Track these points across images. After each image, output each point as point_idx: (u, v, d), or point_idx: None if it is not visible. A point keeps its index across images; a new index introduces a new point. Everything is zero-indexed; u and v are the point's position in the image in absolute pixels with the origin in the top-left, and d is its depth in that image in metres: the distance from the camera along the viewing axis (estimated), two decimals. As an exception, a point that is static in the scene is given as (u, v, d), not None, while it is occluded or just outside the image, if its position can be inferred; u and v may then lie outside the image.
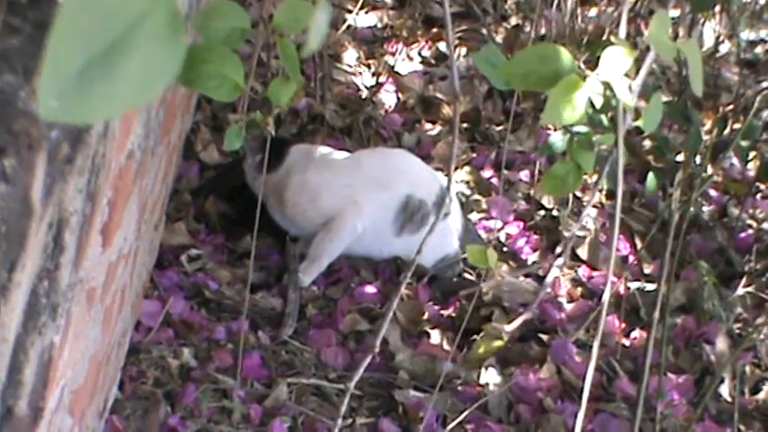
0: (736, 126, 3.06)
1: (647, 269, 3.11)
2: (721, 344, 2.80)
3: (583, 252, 3.11)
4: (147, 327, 2.59)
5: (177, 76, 0.73)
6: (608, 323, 2.82)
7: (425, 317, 2.81)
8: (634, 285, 2.97)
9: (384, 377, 2.63)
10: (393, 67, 3.81)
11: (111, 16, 0.69)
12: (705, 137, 2.87)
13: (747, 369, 2.77)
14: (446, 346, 2.71)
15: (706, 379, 2.71)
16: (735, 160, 3.42)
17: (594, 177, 2.86)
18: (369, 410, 2.54)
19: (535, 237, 3.17)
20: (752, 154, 3.11)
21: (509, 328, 2.65)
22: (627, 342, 2.82)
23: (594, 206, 3.27)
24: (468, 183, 3.36)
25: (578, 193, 3.32)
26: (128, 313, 2.19)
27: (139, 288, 2.40)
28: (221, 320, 2.70)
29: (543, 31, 3.86)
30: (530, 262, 3.10)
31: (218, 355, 2.56)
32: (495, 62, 1.39)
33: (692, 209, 2.70)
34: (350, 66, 3.87)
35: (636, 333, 2.85)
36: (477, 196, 3.30)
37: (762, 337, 2.82)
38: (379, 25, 4.13)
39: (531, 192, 3.33)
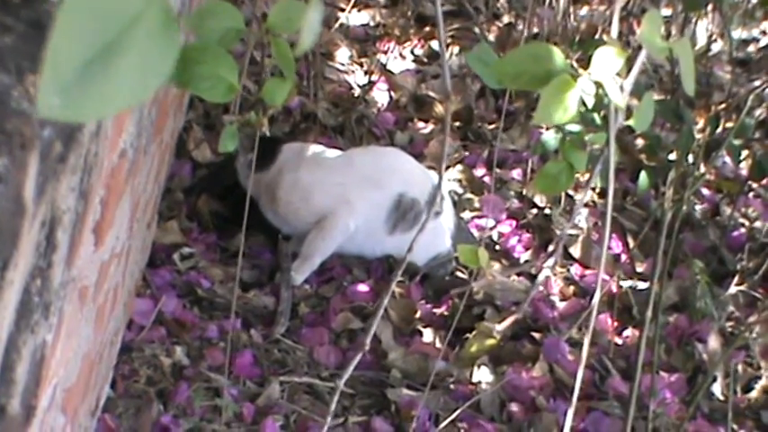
0: (729, 125, 3.07)
1: (640, 268, 3.11)
2: (714, 342, 2.80)
3: (575, 251, 3.12)
4: (139, 325, 2.59)
5: (171, 77, 0.73)
6: (600, 322, 2.82)
7: (418, 315, 2.81)
8: (626, 284, 2.98)
9: (376, 376, 2.63)
10: (385, 66, 3.81)
11: (107, 16, 0.69)
12: (697, 135, 2.87)
13: (740, 368, 2.78)
14: (438, 345, 2.72)
15: (698, 377, 2.71)
16: (727, 159, 3.42)
17: (587, 176, 2.86)
18: (361, 409, 2.55)
19: (527, 235, 3.17)
20: (744, 153, 3.11)
21: (500, 327, 2.65)
22: (619, 340, 2.82)
23: (587, 205, 3.27)
24: (460, 181, 3.36)
25: (571, 192, 3.32)
26: (120, 312, 2.19)
27: (132, 287, 2.40)
28: (214, 319, 2.70)
29: (536, 29, 3.86)
30: (522, 260, 3.10)
31: (211, 354, 2.56)
32: (487, 61, 1.39)
33: (684, 207, 2.71)
34: (342, 64, 3.87)
35: (628, 331, 2.85)
36: (469, 195, 3.30)
37: (754, 335, 2.83)
38: (372, 24, 4.13)
39: (524, 190, 3.33)
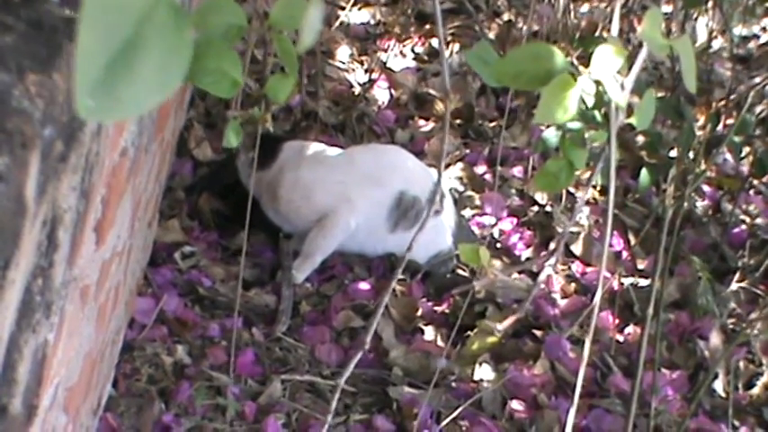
0: (730, 121, 3.07)
1: (641, 265, 3.11)
2: (715, 339, 2.80)
3: (577, 248, 3.12)
4: (140, 324, 2.59)
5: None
6: (602, 319, 2.82)
7: (419, 313, 2.81)
8: (628, 281, 2.98)
9: (378, 374, 2.63)
10: (386, 64, 3.81)
11: (122, 14, 0.69)
12: (698, 132, 2.88)
13: (741, 364, 2.78)
14: (440, 343, 2.72)
15: (700, 374, 2.72)
16: (728, 156, 3.42)
17: (588, 173, 2.86)
18: (363, 407, 2.55)
19: (529, 233, 3.17)
20: (745, 149, 3.11)
21: (502, 325, 2.65)
22: (621, 338, 2.82)
23: (588, 202, 3.27)
24: (461, 179, 3.36)
25: (572, 189, 3.32)
26: (122, 311, 2.19)
27: (133, 285, 2.40)
28: (215, 317, 2.70)
29: (536, 27, 3.86)
30: (523, 258, 3.10)
31: (212, 353, 2.56)
32: (487, 59, 1.39)
33: (685, 204, 2.71)
34: (343, 62, 3.87)
35: (630, 329, 2.85)
36: (470, 192, 3.30)
37: (755, 332, 2.82)
38: (372, 22, 4.13)
39: (525, 188, 3.33)
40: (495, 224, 3.17)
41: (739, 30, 4.19)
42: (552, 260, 2.74)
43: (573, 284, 3.01)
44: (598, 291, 1.37)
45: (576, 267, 3.07)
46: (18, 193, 0.96)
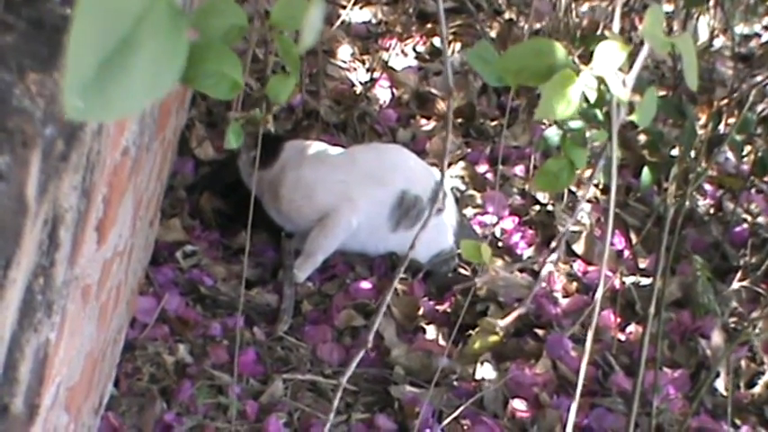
0: (731, 120, 3.07)
1: (643, 264, 3.11)
2: (717, 338, 2.80)
3: (578, 247, 3.12)
4: (142, 323, 2.59)
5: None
6: (603, 318, 2.82)
7: (421, 312, 2.81)
8: (629, 280, 2.97)
9: (380, 373, 2.63)
10: (387, 63, 3.81)
11: (118, 14, 0.69)
12: (700, 131, 2.88)
13: (743, 363, 2.78)
14: (441, 342, 2.72)
15: (701, 373, 2.71)
16: (730, 154, 3.42)
17: (589, 172, 2.86)
18: (364, 406, 2.55)
19: (530, 232, 3.17)
20: (747, 148, 3.11)
21: (503, 323, 2.65)
22: (622, 337, 2.82)
23: (589, 201, 3.27)
24: (463, 178, 3.36)
25: (573, 188, 3.32)
26: (123, 310, 2.19)
27: (135, 285, 2.40)
28: (217, 317, 2.70)
29: (537, 25, 3.86)
30: (525, 257, 3.10)
31: (214, 352, 2.56)
32: (488, 59, 1.39)
33: (687, 203, 2.71)
34: (344, 61, 3.87)
35: (631, 328, 2.85)
36: (472, 191, 3.30)
37: (757, 331, 2.82)
38: (374, 21, 4.13)
39: (527, 187, 3.33)
40: (497, 223, 3.17)
41: (741, 28, 4.19)
42: (553, 258, 2.75)
43: (574, 283, 3.01)
44: (599, 289, 1.37)
45: (578, 266, 3.07)
46: (19, 193, 0.96)
